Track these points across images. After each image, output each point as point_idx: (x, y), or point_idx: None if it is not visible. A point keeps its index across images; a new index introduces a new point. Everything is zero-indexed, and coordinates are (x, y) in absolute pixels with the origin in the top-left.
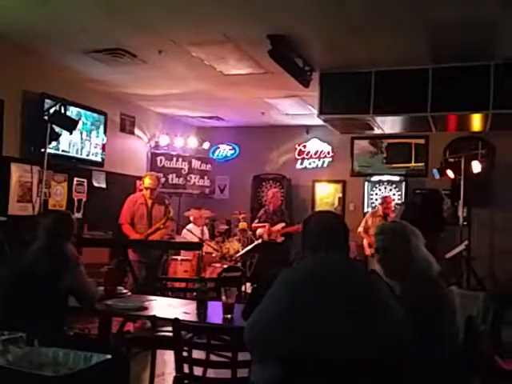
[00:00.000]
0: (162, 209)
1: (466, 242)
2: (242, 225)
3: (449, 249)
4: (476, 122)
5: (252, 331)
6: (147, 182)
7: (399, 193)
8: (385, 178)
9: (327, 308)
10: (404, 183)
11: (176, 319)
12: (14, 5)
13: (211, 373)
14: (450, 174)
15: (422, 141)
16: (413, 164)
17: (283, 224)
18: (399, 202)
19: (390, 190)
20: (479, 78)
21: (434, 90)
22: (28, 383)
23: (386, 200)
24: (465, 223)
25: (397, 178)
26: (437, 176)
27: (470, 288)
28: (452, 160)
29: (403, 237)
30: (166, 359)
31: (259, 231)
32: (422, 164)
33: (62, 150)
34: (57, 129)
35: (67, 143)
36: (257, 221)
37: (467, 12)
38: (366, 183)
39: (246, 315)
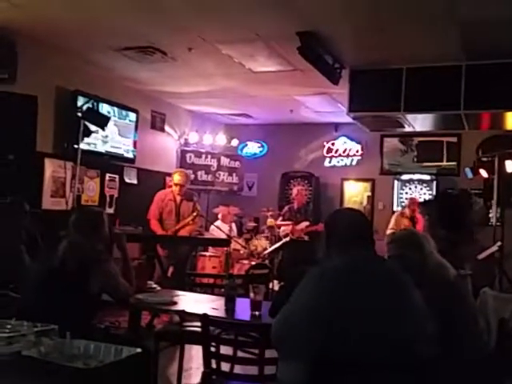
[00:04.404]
0: (191, 205)
1: (499, 243)
2: (270, 222)
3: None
4: (510, 120)
5: (280, 328)
6: (176, 178)
7: (430, 192)
8: (415, 176)
9: (360, 307)
10: (435, 182)
11: (204, 314)
12: (49, 5)
13: (238, 369)
14: (484, 173)
15: (454, 139)
16: (444, 163)
17: (307, 223)
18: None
19: (421, 189)
20: None
21: (467, 88)
22: (59, 375)
23: (412, 201)
24: (498, 224)
25: (428, 177)
26: (470, 175)
27: (503, 290)
28: (485, 159)
29: (415, 244)
30: (193, 354)
31: (283, 229)
32: (454, 163)
33: (95, 147)
34: (89, 125)
35: (100, 140)
36: (280, 218)
37: (502, 9)
38: (396, 182)
39: (273, 313)
